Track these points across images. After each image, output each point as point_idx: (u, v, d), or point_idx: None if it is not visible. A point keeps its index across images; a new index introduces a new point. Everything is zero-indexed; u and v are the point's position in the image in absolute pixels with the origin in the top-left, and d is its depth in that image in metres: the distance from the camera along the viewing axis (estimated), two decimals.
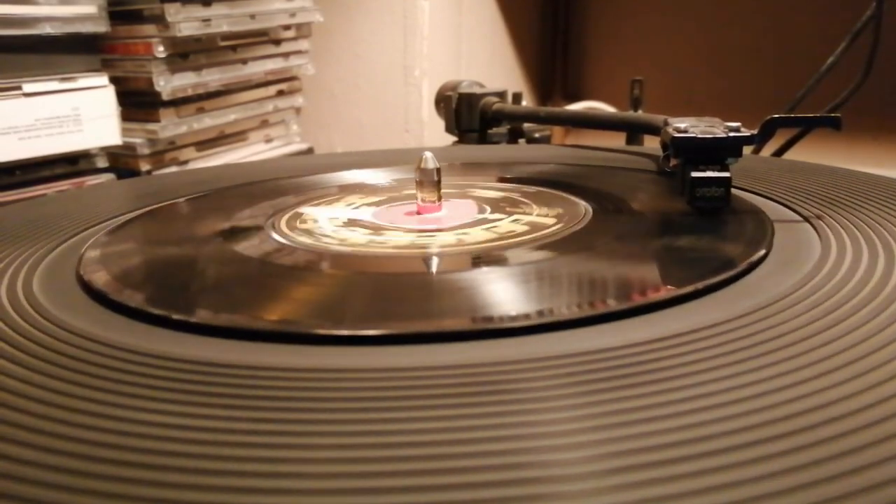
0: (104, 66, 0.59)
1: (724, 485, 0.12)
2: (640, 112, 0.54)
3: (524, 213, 0.30)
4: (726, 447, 0.13)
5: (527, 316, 0.19)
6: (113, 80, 0.58)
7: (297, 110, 0.76)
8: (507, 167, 0.41)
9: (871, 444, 0.12)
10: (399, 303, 0.21)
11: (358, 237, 0.28)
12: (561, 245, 0.25)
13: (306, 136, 0.79)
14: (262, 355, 0.18)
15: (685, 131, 0.28)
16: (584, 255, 0.24)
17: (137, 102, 0.63)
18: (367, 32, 0.85)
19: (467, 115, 0.54)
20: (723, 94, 0.90)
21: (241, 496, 0.12)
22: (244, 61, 0.69)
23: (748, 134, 0.28)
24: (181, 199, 0.36)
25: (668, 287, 0.20)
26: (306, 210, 0.33)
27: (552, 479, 0.12)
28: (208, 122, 0.66)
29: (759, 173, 0.35)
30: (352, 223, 0.30)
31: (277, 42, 0.72)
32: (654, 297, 0.20)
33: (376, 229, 0.29)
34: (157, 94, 0.61)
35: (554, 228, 0.27)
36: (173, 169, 0.65)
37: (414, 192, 0.31)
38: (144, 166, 0.62)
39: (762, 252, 0.23)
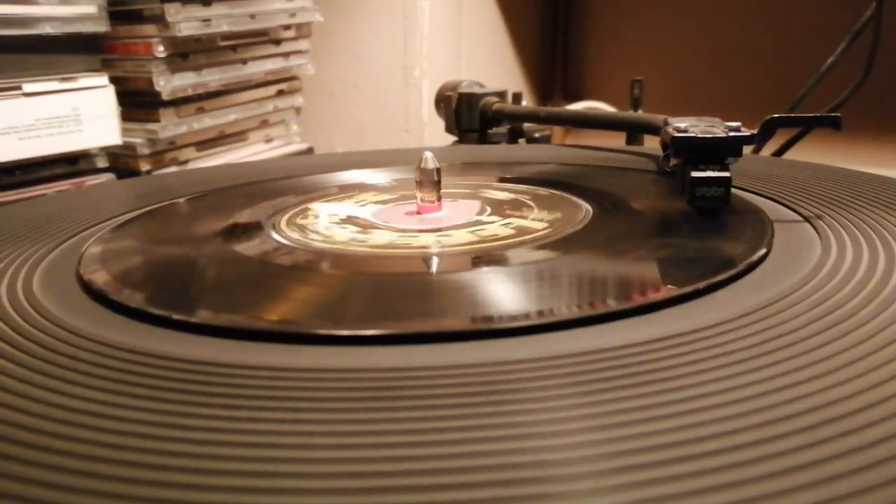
0: (104, 66, 0.59)
1: (724, 485, 0.12)
2: (640, 112, 0.54)
3: (519, 217, 0.29)
4: (726, 447, 0.13)
5: (526, 316, 0.19)
6: (113, 80, 0.58)
7: (297, 110, 0.76)
8: (507, 167, 0.41)
9: (872, 444, 0.12)
10: (387, 302, 0.21)
11: (342, 234, 0.28)
12: (561, 245, 0.25)
13: (306, 136, 0.79)
14: (262, 355, 0.18)
15: (685, 131, 0.28)
16: (584, 255, 0.24)
17: (137, 102, 0.63)
18: (367, 32, 0.85)
19: (467, 115, 0.54)
20: (723, 94, 0.90)
21: (242, 496, 0.12)
22: (244, 61, 0.69)
23: (748, 134, 0.28)
24: (181, 199, 0.36)
25: (668, 287, 0.20)
26: (314, 205, 0.33)
27: (552, 479, 0.12)
28: (208, 122, 0.66)
29: (759, 173, 0.35)
30: (349, 220, 0.30)
31: (277, 42, 0.72)
32: (653, 297, 0.20)
33: (365, 227, 0.29)
34: (157, 94, 0.61)
35: (541, 234, 0.27)
36: (173, 169, 0.65)
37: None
38: (144, 166, 0.62)
39: (762, 252, 0.23)
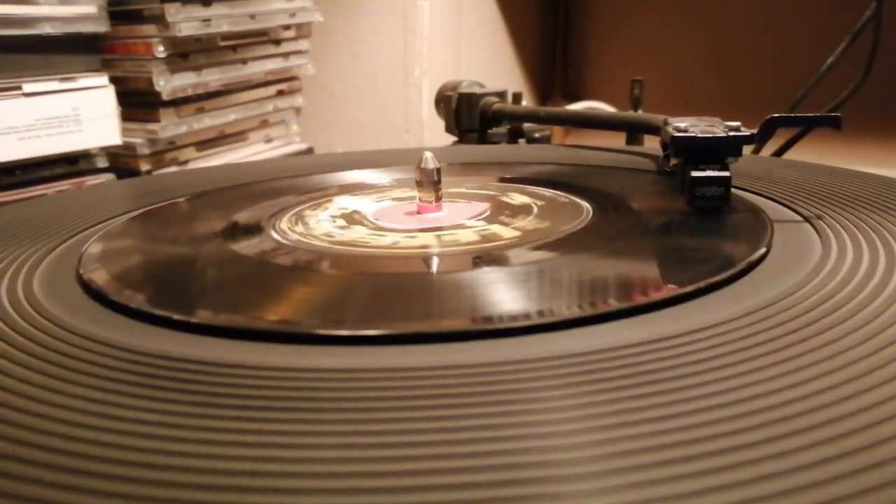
0: (104, 66, 0.59)
1: (725, 485, 0.12)
2: (640, 112, 0.54)
3: (502, 223, 0.29)
4: (727, 448, 0.13)
5: (526, 316, 0.19)
6: (113, 80, 0.58)
7: (297, 110, 0.76)
8: (507, 167, 0.41)
9: (873, 444, 0.12)
10: (387, 302, 0.21)
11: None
12: (561, 245, 0.25)
13: (306, 136, 0.79)
14: (262, 355, 0.18)
15: (685, 131, 0.28)
16: (584, 255, 0.24)
17: (137, 102, 0.63)
18: (367, 32, 0.85)
19: (467, 115, 0.54)
20: (723, 94, 0.90)
21: (242, 496, 0.12)
22: (244, 61, 0.69)
23: (748, 133, 0.28)
24: (181, 199, 0.36)
25: (669, 287, 0.20)
26: (313, 206, 0.33)
27: (553, 479, 0.12)
28: (208, 122, 0.66)
29: (759, 173, 0.35)
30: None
31: (277, 42, 0.72)
32: (653, 296, 0.20)
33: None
34: (157, 94, 0.61)
35: (502, 244, 0.26)
36: (173, 169, 0.65)
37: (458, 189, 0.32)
38: (144, 166, 0.62)
39: (762, 252, 0.23)
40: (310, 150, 0.76)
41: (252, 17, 0.67)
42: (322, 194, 0.35)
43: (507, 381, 0.16)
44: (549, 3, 1.01)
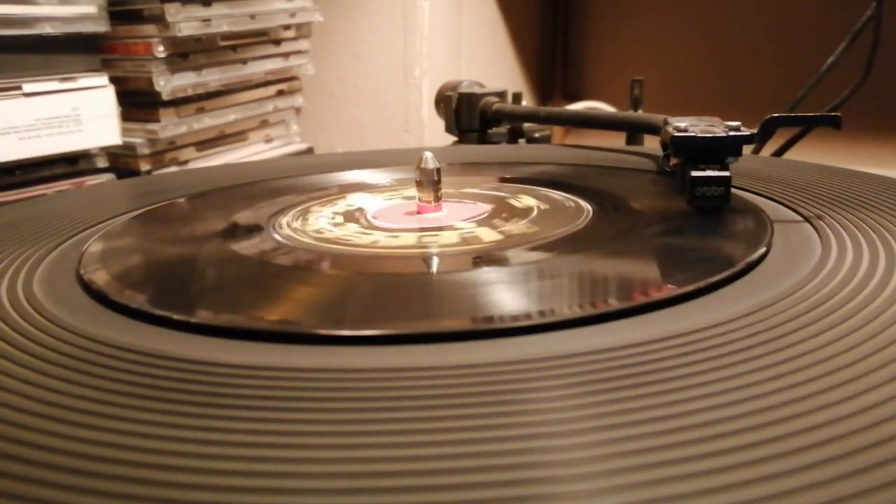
0: (104, 66, 0.59)
1: (726, 486, 0.12)
2: (640, 112, 0.54)
3: (492, 226, 0.28)
4: (727, 448, 0.13)
5: (527, 316, 0.19)
6: (113, 80, 0.58)
7: (297, 110, 0.76)
8: (506, 167, 0.41)
9: (874, 445, 0.12)
10: (387, 302, 0.21)
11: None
12: (561, 245, 0.25)
13: (306, 136, 0.79)
14: (262, 355, 0.18)
15: (685, 130, 0.28)
16: (584, 255, 0.24)
17: (137, 102, 0.63)
18: (367, 32, 0.85)
19: (467, 115, 0.54)
20: (723, 94, 0.90)
21: (242, 496, 0.12)
22: (244, 61, 0.69)
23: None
24: (181, 199, 0.36)
25: (669, 286, 0.20)
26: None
27: (554, 479, 0.12)
28: (208, 122, 0.66)
29: (759, 173, 0.35)
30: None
31: (277, 42, 0.72)
32: (654, 296, 0.20)
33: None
34: (157, 94, 0.61)
35: (486, 246, 0.26)
36: (173, 169, 0.65)
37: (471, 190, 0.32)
38: (144, 166, 0.62)
39: (762, 251, 0.23)
40: (310, 150, 0.76)
41: (252, 17, 0.67)
42: (322, 194, 0.35)
43: (508, 382, 0.16)
44: (549, 3, 1.01)
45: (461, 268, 0.24)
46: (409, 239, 0.27)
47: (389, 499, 0.12)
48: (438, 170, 0.30)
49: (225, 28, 0.65)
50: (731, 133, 0.28)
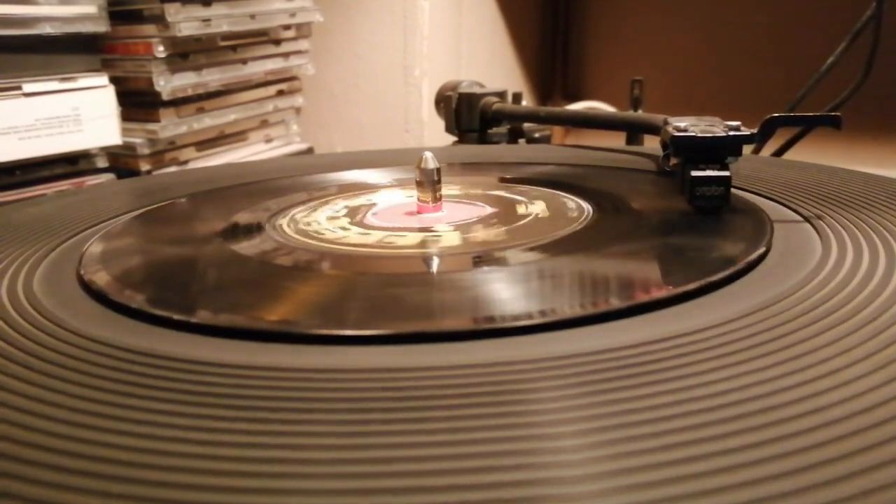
0: (104, 66, 0.59)
1: (727, 486, 0.12)
2: (640, 112, 0.54)
3: (471, 231, 0.28)
4: (728, 448, 0.13)
5: (528, 315, 0.19)
6: (113, 80, 0.58)
7: (297, 110, 0.76)
8: (506, 167, 0.41)
9: (874, 445, 0.12)
10: (387, 302, 0.21)
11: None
12: (561, 245, 0.25)
13: (306, 136, 0.79)
14: (262, 355, 0.18)
15: (685, 130, 0.28)
16: (584, 255, 0.24)
17: (137, 102, 0.63)
18: (367, 32, 0.85)
19: (467, 115, 0.54)
20: (723, 93, 0.90)
21: (242, 496, 0.12)
22: (244, 61, 0.69)
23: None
24: (181, 199, 0.36)
25: (669, 286, 0.20)
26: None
27: (555, 480, 0.12)
28: (208, 122, 0.66)
29: (759, 173, 0.35)
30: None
31: (277, 42, 0.72)
32: (654, 296, 0.20)
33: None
34: (157, 94, 0.61)
35: (441, 249, 0.26)
36: (173, 169, 0.65)
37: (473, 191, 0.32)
38: (144, 166, 0.62)
39: (762, 251, 0.23)
40: (310, 150, 0.76)
41: (252, 17, 0.67)
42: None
43: (509, 382, 0.15)
44: (549, 3, 1.01)
45: (462, 268, 0.24)
46: (378, 237, 0.28)
47: (390, 499, 0.12)
48: (438, 170, 0.30)
49: (225, 28, 0.65)
50: (731, 133, 0.28)
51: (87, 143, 0.57)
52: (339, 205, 0.33)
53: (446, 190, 0.33)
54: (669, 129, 0.29)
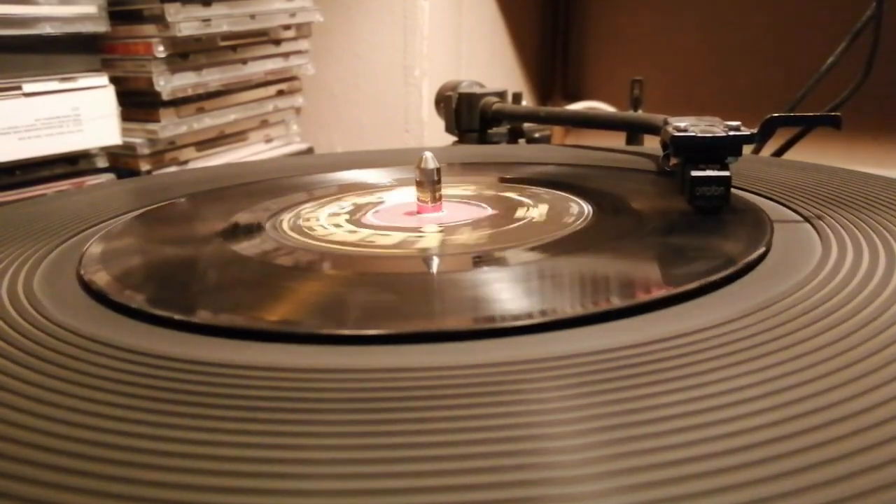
0: (104, 66, 0.59)
1: (727, 486, 0.12)
2: (640, 112, 0.54)
3: (457, 233, 0.28)
4: (729, 448, 0.13)
5: (528, 315, 0.19)
6: (113, 80, 0.58)
7: (297, 110, 0.76)
8: (506, 167, 0.41)
9: (874, 446, 0.12)
10: (388, 302, 0.21)
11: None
12: (561, 245, 0.25)
13: (306, 136, 0.79)
14: (262, 355, 0.18)
15: (685, 130, 0.28)
16: (584, 255, 0.24)
17: (137, 102, 0.63)
18: (367, 32, 0.85)
19: (467, 115, 0.54)
20: (723, 94, 0.90)
21: (242, 497, 0.12)
22: (244, 61, 0.69)
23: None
24: (181, 199, 0.36)
25: (669, 287, 0.20)
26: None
27: (556, 480, 0.12)
28: (208, 122, 0.66)
29: (759, 173, 0.35)
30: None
31: (277, 42, 0.72)
32: (653, 296, 0.20)
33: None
34: (157, 94, 0.61)
35: (414, 251, 0.26)
36: (173, 169, 0.65)
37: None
38: (144, 166, 0.62)
39: (762, 251, 0.23)
40: (310, 150, 0.76)
41: (252, 17, 0.67)
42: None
43: (510, 382, 0.15)
44: (549, 3, 1.01)
45: (462, 268, 0.24)
46: (362, 237, 0.28)
47: (390, 499, 0.12)
48: (438, 170, 0.30)
49: (225, 28, 0.65)
50: (731, 133, 0.28)
51: (87, 143, 0.57)
52: (349, 202, 0.33)
53: (459, 190, 0.33)
54: (669, 129, 0.29)
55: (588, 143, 0.49)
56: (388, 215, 0.31)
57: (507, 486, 0.12)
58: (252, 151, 0.71)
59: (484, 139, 0.54)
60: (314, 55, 0.76)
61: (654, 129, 0.38)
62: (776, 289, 0.20)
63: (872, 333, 0.17)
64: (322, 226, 0.29)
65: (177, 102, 0.63)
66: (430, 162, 0.30)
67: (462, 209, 0.31)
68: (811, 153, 0.50)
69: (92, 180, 0.58)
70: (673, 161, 0.31)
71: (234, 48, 0.67)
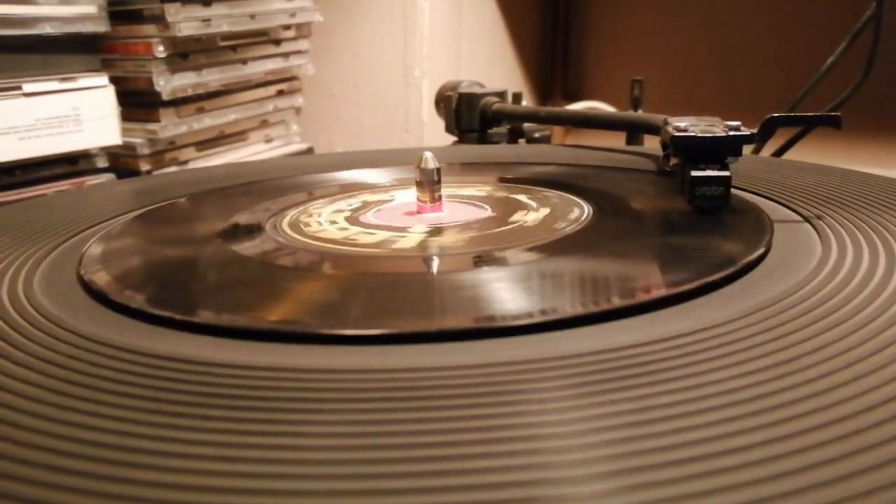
0: (104, 66, 0.59)
1: (727, 486, 0.12)
2: (640, 112, 0.54)
3: (444, 234, 0.28)
4: (728, 449, 0.13)
5: (528, 315, 0.19)
6: (113, 80, 0.58)
7: (297, 110, 0.76)
8: (506, 167, 0.41)
9: (873, 446, 0.12)
10: (388, 301, 0.21)
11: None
12: (561, 245, 0.25)
13: (306, 136, 0.79)
14: (262, 355, 0.18)
15: (685, 130, 0.28)
16: (584, 255, 0.24)
17: (137, 102, 0.63)
18: (367, 32, 0.85)
19: (467, 115, 0.54)
20: (723, 94, 0.90)
21: (242, 497, 0.12)
22: (244, 61, 0.69)
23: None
24: (181, 199, 0.36)
25: (668, 286, 0.20)
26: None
27: (556, 480, 0.12)
28: (208, 122, 0.66)
29: (759, 173, 0.35)
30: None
31: (277, 42, 0.72)
32: (653, 296, 0.20)
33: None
34: (157, 94, 0.61)
35: (393, 250, 0.26)
36: (173, 169, 0.65)
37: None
38: (144, 166, 0.62)
39: (762, 252, 0.23)
40: (310, 150, 0.76)
41: (252, 17, 0.67)
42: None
43: (510, 382, 0.15)
44: (549, 3, 1.01)
45: (462, 268, 0.24)
46: (350, 235, 0.28)
47: (390, 499, 0.12)
48: (438, 170, 0.30)
49: (225, 28, 0.65)
50: (731, 133, 0.28)
51: (87, 143, 0.57)
52: (358, 199, 0.33)
53: (469, 191, 0.33)
54: (669, 129, 0.29)
55: (588, 143, 0.49)
56: (387, 214, 0.31)
57: (507, 486, 0.12)
58: (252, 151, 0.71)
59: (484, 139, 0.54)
60: (314, 55, 0.76)
61: (654, 129, 0.38)
62: (776, 289, 0.20)
63: (872, 333, 0.17)
64: (318, 222, 0.30)
65: (177, 102, 0.63)
66: (430, 162, 0.30)
67: (462, 210, 0.31)
68: (811, 153, 0.50)
69: (92, 180, 0.58)
70: (673, 161, 0.31)
71: (234, 48, 0.67)
